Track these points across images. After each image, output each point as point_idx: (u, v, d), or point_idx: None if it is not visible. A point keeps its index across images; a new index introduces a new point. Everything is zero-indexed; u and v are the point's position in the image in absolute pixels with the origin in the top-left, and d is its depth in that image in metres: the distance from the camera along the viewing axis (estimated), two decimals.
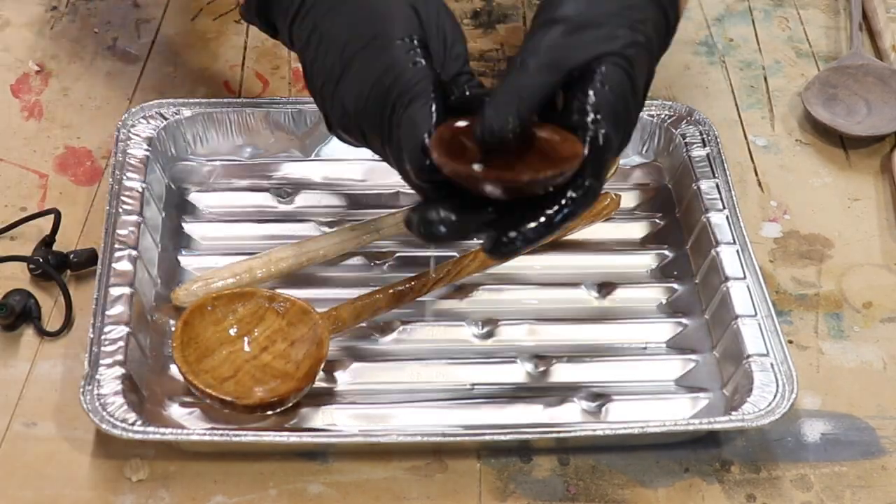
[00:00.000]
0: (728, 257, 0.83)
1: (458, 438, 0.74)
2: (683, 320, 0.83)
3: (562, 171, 0.62)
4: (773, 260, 0.89)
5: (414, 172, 0.65)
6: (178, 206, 0.88)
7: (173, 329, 0.76)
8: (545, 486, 0.74)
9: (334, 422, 0.76)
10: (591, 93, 0.65)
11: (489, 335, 0.81)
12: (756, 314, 0.79)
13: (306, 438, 0.74)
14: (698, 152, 0.90)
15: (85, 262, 0.83)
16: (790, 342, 0.82)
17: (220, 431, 0.73)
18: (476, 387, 0.78)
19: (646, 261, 0.87)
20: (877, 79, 1.00)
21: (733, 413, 0.74)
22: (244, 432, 0.72)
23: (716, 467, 0.75)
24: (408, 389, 0.78)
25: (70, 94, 0.98)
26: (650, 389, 0.79)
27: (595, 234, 0.88)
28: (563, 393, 0.78)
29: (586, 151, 0.64)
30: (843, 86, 1.00)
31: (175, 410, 0.75)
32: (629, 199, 0.91)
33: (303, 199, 0.89)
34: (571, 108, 0.65)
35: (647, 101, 0.93)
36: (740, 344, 0.78)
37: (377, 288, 0.81)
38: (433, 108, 0.65)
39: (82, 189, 0.90)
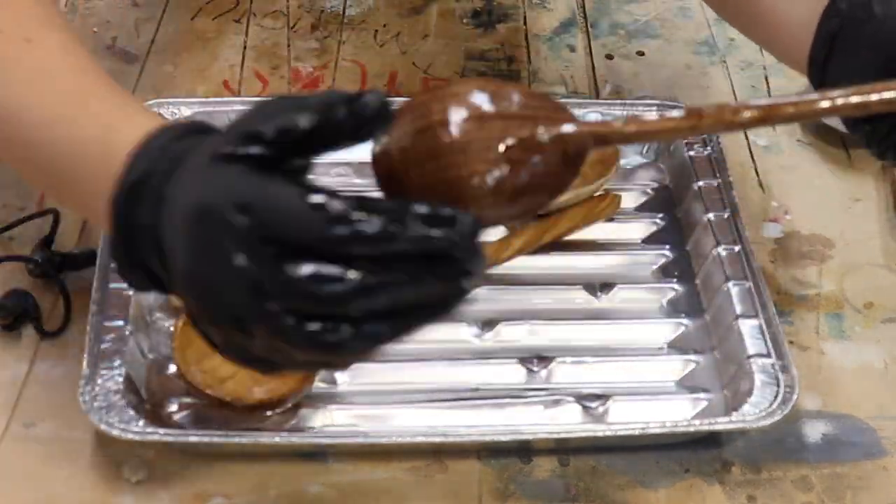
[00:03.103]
0: (729, 257, 0.83)
1: (458, 439, 0.74)
2: (684, 321, 0.83)
3: None
4: (773, 260, 0.88)
5: None
6: None
7: (172, 329, 0.76)
8: (545, 486, 0.74)
9: (334, 422, 0.75)
10: None
11: (489, 335, 0.81)
12: (757, 315, 0.79)
13: (306, 439, 0.74)
14: (699, 152, 0.90)
15: (84, 262, 0.83)
16: (791, 343, 0.82)
17: (220, 432, 0.73)
18: (477, 387, 0.78)
19: (646, 261, 0.87)
20: None
21: (734, 414, 0.74)
22: (244, 433, 0.72)
23: (716, 468, 0.75)
24: (408, 390, 0.78)
25: None
26: (651, 390, 0.79)
27: (595, 234, 0.88)
28: (564, 393, 0.78)
29: None
30: None
31: (174, 411, 0.75)
32: (630, 199, 0.91)
33: None
34: None
35: (647, 101, 0.94)
36: (741, 344, 0.78)
37: None
38: None
39: None
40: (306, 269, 0.47)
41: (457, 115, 0.56)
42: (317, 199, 0.47)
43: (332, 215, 0.47)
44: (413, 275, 0.49)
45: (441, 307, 0.51)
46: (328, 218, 0.47)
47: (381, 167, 0.57)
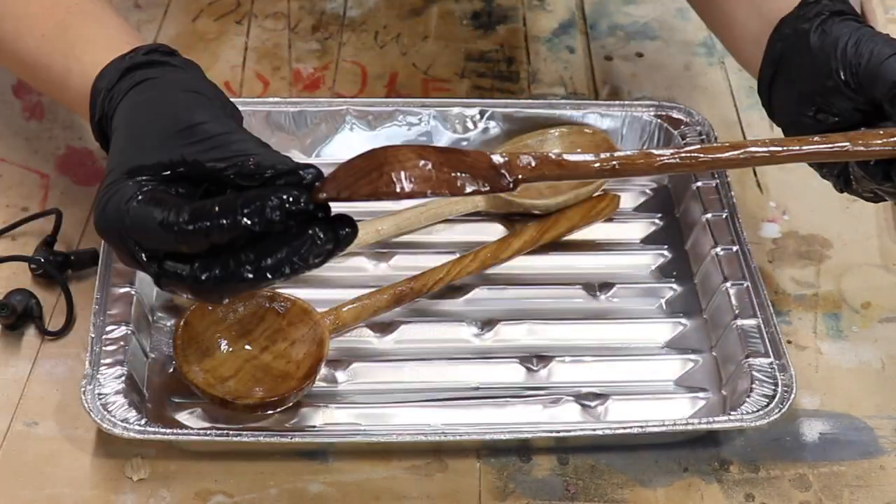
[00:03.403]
0: (727, 258, 0.83)
1: (458, 438, 0.74)
2: (683, 320, 0.83)
3: None
4: (771, 260, 0.89)
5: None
6: None
7: (174, 329, 0.76)
8: (544, 485, 0.74)
9: (334, 421, 0.76)
10: None
11: (489, 335, 0.81)
12: (755, 314, 0.79)
13: (306, 438, 0.74)
14: None
15: (86, 262, 0.84)
16: (789, 342, 0.82)
17: (221, 431, 0.73)
18: (477, 387, 0.79)
19: (645, 261, 0.87)
20: None
21: (732, 413, 0.74)
22: (244, 432, 0.73)
23: (715, 467, 0.76)
24: (407, 389, 0.78)
25: None
26: (649, 389, 0.79)
27: (595, 234, 0.89)
28: (563, 393, 0.78)
29: None
30: None
31: (176, 410, 0.76)
32: (629, 200, 0.91)
33: None
34: None
35: (646, 102, 0.94)
36: (739, 344, 0.78)
37: (377, 288, 0.81)
38: None
39: (84, 189, 0.90)
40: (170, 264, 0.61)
41: (398, 156, 0.60)
42: (160, 216, 0.60)
43: (167, 232, 0.60)
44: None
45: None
46: (170, 234, 0.60)
47: None
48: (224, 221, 0.58)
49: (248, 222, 0.58)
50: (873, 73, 0.71)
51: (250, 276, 0.59)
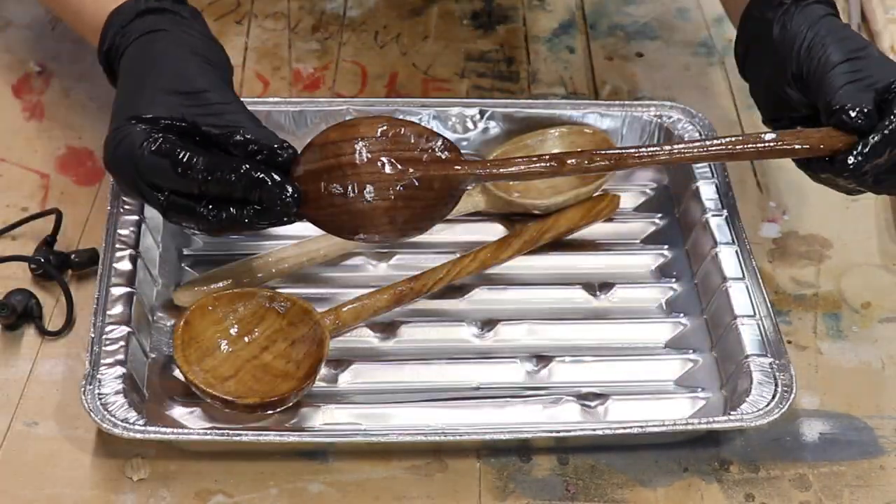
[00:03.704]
0: (727, 257, 0.83)
1: (458, 438, 0.74)
2: (683, 320, 0.83)
3: None
4: (771, 260, 0.89)
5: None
6: None
7: (174, 329, 0.76)
8: (545, 485, 0.74)
9: (335, 421, 0.76)
10: None
11: (489, 335, 0.81)
12: (755, 314, 0.79)
13: (306, 438, 0.74)
14: None
15: (86, 262, 0.84)
16: (789, 342, 0.82)
17: (221, 431, 0.73)
18: (478, 387, 0.79)
19: (645, 261, 0.87)
20: None
21: (732, 413, 0.74)
22: (245, 432, 0.73)
23: (714, 467, 0.76)
24: (408, 389, 0.78)
25: (71, 94, 0.98)
26: (649, 389, 0.79)
27: (595, 234, 0.89)
28: (563, 392, 0.78)
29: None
30: None
31: (176, 410, 0.76)
32: (629, 200, 0.91)
33: None
34: None
35: (646, 102, 0.94)
36: (739, 344, 0.78)
37: (377, 288, 0.81)
38: None
39: (84, 189, 0.91)
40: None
41: (362, 158, 0.71)
42: (176, 162, 0.71)
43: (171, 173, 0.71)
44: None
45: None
46: (185, 178, 0.71)
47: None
48: (232, 176, 0.69)
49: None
50: (819, 82, 0.73)
51: (243, 218, 0.71)
